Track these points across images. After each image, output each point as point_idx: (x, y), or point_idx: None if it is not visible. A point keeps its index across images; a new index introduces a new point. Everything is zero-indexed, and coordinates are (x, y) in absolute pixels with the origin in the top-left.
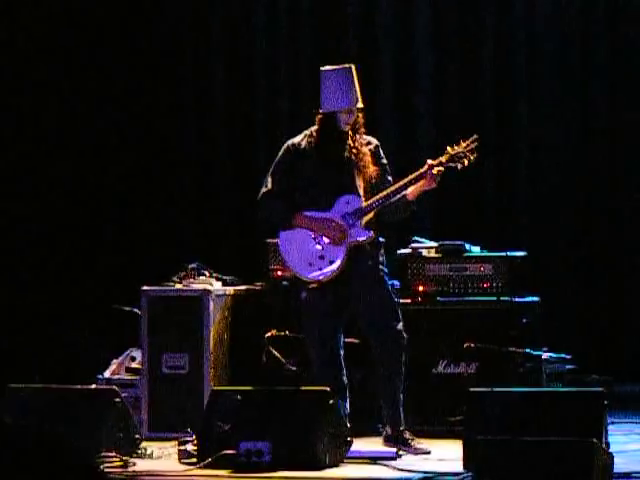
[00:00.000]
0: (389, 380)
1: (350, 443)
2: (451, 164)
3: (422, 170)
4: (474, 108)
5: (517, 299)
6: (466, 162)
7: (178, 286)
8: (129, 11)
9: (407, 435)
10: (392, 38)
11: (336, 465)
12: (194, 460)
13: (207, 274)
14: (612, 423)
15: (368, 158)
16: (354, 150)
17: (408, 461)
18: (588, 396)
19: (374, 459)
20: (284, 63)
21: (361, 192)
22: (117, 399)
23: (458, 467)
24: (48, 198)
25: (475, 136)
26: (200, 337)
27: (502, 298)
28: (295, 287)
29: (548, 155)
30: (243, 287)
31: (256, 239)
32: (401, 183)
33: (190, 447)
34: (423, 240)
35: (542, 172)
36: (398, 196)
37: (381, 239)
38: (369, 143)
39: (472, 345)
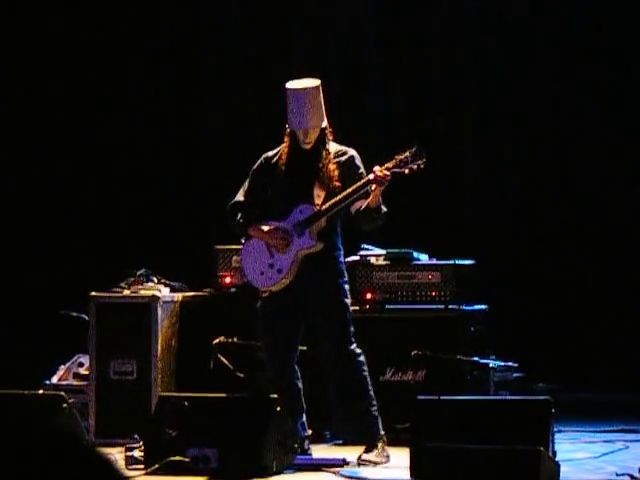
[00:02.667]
0: (345, 399)
1: (301, 451)
2: (397, 170)
3: (369, 177)
4: (424, 111)
5: (465, 307)
6: (415, 167)
7: (126, 292)
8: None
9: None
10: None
11: (283, 472)
12: (141, 466)
13: (155, 280)
14: (559, 431)
15: (333, 174)
16: (319, 165)
17: (355, 468)
18: (535, 404)
19: (321, 466)
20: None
21: (319, 201)
22: (65, 405)
23: (405, 475)
24: None
25: (417, 146)
26: (148, 343)
27: (450, 306)
28: (251, 295)
29: (497, 162)
30: (191, 293)
31: (204, 246)
32: (349, 191)
33: (137, 453)
34: (371, 247)
35: (490, 180)
36: (347, 202)
37: (339, 247)
38: (342, 155)
39: (420, 353)
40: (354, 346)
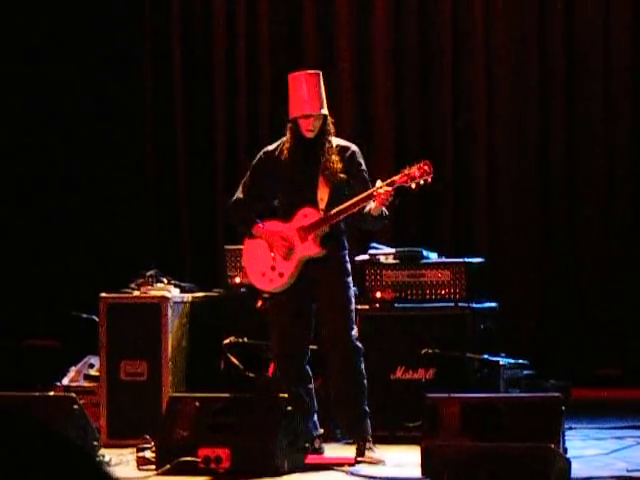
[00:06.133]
0: (341, 390)
1: (313, 450)
2: (404, 184)
3: (370, 190)
4: (434, 119)
5: (475, 305)
6: (422, 182)
7: (136, 293)
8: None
9: (367, 445)
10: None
11: (294, 471)
12: (153, 467)
13: (165, 281)
14: (570, 428)
15: (337, 166)
16: (322, 159)
17: (366, 467)
18: (545, 401)
19: (332, 465)
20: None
21: (323, 205)
22: (76, 406)
23: (416, 473)
24: (5, 205)
25: (427, 161)
26: (158, 344)
27: (460, 304)
28: (253, 295)
29: (506, 161)
30: (201, 294)
31: (214, 246)
32: (353, 201)
33: (148, 454)
34: (381, 247)
35: (500, 178)
36: (351, 212)
37: (345, 247)
38: (344, 149)
39: (430, 351)
40: (354, 335)
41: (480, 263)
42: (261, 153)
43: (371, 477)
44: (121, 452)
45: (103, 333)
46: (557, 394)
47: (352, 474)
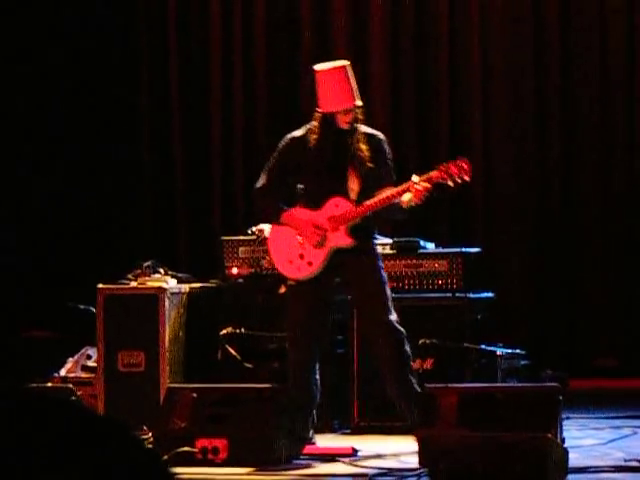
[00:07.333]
0: (390, 375)
1: (308, 440)
2: (440, 181)
3: (405, 185)
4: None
5: (472, 295)
6: (459, 180)
7: (133, 284)
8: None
9: None
10: None
11: (292, 462)
12: None
13: (162, 272)
14: (567, 418)
15: (366, 154)
16: (351, 147)
17: (364, 457)
18: (543, 392)
19: (333, 455)
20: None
21: (353, 195)
22: (73, 397)
23: (414, 463)
24: (4, 196)
25: (464, 159)
26: (156, 335)
27: (457, 294)
28: (257, 286)
29: (502, 151)
30: (198, 285)
31: (211, 237)
32: (386, 195)
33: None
34: (378, 237)
35: (496, 169)
36: (384, 206)
37: (375, 236)
38: (372, 137)
39: (427, 341)
40: (394, 320)
41: (477, 253)
42: (287, 138)
43: (369, 467)
44: None
45: (100, 324)
46: (555, 384)
47: (351, 464)
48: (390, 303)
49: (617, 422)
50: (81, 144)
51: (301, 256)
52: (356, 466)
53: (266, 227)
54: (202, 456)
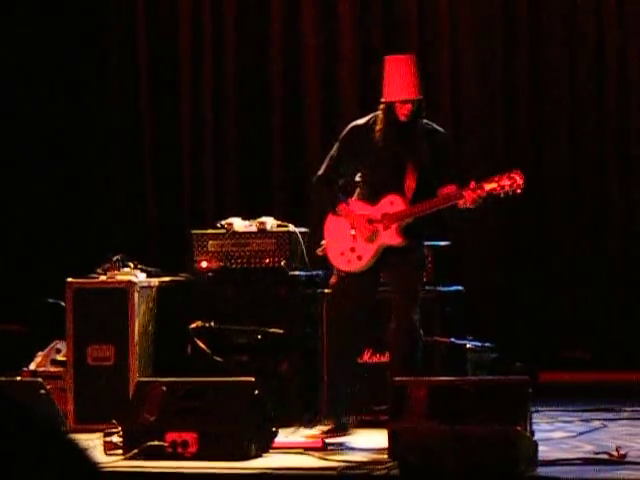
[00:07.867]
0: (398, 368)
1: (275, 433)
2: (493, 192)
3: (461, 191)
4: None
5: (441, 288)
6: (510, 192)
7: (102, 278)
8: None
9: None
10: None
11: (262, 455)
12: (120, 452)
13: (131, 266)
14: (537, 411)
15: (426, 152)
16: (412, 143)
17: (333, 451)
18: (512, 384)
19: (302, 448)
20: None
21: (410, 194)
22: (43, 391)
23: (383, 456)
24: None
25: (518, 171)
26: (125, 329)
27: (426, 287)
28: (227, 280)
29: (472, 145)
30: (167, 278)
31: (180, 230)
32: (439, 199)
33: (116, 439)
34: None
35: (466, 161)
36: (438, 208)
37: (424, 241)
38: (433, 133)
39: None
40: (417, 317)
41: (446, 246)
42: (350, 127)
43: (339, 461)
44: (88, 437)
45: (70, 318)
46: (524, 377)
47: (320, 458)
48: (419, 303)
49: (587, 415)
50: (50, 138)
51: (352, 249)
52: (325, 460)
53: (236, 221)
54: (172, 450)
